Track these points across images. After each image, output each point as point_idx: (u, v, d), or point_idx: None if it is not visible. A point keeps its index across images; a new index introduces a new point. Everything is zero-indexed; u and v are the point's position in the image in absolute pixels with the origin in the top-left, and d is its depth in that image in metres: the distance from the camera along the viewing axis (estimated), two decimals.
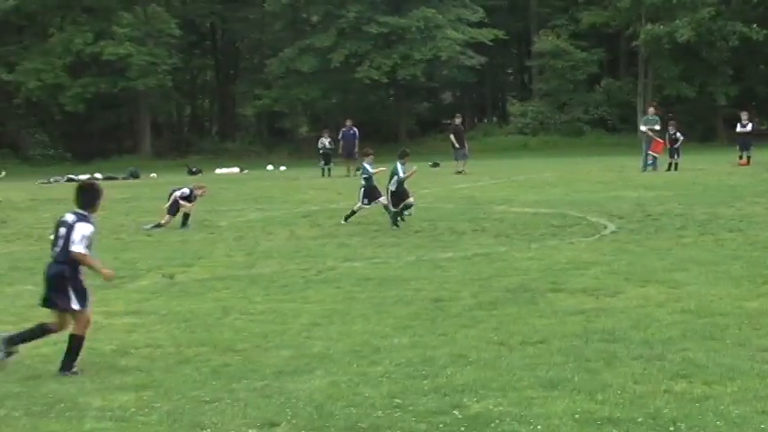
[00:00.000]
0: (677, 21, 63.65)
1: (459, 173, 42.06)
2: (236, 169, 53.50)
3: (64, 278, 10.46)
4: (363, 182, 24.44)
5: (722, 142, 62.92)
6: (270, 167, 54.80)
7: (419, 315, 12.80)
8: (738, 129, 43.87)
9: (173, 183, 31.59)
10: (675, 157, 41.22)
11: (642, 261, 16.75)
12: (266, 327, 12.38)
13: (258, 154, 67.57)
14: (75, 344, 10.51)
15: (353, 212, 24.32)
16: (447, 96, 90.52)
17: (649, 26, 65.12)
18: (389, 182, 23.53)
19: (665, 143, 41.53)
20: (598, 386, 9.09)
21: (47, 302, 10.70)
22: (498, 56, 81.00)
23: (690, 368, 9.61)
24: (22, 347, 10.93)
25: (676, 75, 66.51)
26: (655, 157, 41.24)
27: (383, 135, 70.12)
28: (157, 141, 71.81)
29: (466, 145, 45.00)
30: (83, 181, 11.20)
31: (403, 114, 75.55)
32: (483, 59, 71.84)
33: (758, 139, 45.18)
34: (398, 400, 8.89)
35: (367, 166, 24.49)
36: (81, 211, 10.65)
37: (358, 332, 11.86)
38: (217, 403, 9.06)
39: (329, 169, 45.74)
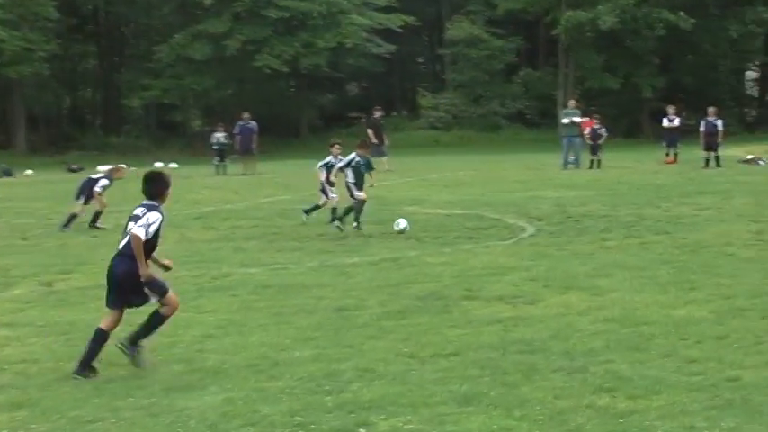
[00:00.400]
0: (600, 7, 64.40)
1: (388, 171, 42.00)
2: (121, 166, 52.85)
3: (134, 274, 10.63)
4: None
5: (648, 138, 63.96)
6: (159, 164, 54.29)
7: (322, 325, 12.78)
8: (665, 124, 44.58)
9: (50, 181, 31.15)
10: (598, 154, 41.81)
11: (563, 266, 16.92)
12: (154, 339, 12.26)
13: (146, 150, 66.90)
14: (97, 340, 10.69)
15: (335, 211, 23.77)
16: (353, 88, 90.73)
17: (570, 13, 65.81)
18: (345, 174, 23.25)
19: (591, 124, 42.17)
20: (516, 401, 9.16)
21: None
22: (408, 44, 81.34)
23: (613, 381, 9.72)
24: None
25: (599, 65, 67.34)
26: (576, 157, 41.80)
27: (283, 129, 70.05)
28: (33, 136, 70.78)
29: (385, 141, 45.01)
30: (150, 171, 11.35)
31: (305, 107, 75.49)
32: (392, 48, 72.14)
33: (686, 135, 45.92)
34: (300, 418, 8.86)
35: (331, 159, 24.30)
36: (150, 202, 10.95)
37: (255, 344, 11.80)
38: (100, 423, 8.94)
39: (224, 167, 45.53)
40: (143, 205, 10.95)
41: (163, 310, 10.97)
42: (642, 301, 13.72)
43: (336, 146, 24.74)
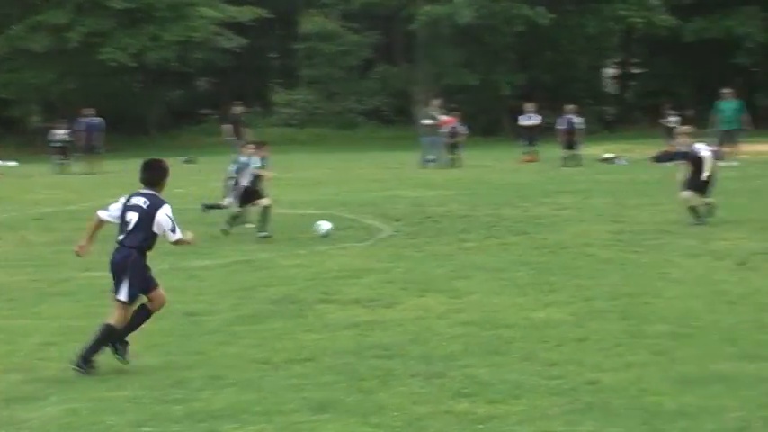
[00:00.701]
0: (457, 1, 64.97)
1: None
2: None
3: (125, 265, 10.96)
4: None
5: (507, 136, 64.75)
6: None
7: (171, 331, 12.65)
8: (524, 122, 45.26)
9: None
10: (457, 152, 42.19)
11: (421, 268, 17.05)
12: None
13: None
14: (104, 334, 10.90)
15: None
16: (202, 83, 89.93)
17: (427, 7, 66.22)
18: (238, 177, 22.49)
19: (451, 122, 42.59)
20: (373, 407, 9.19)
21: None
22: (261, 38, 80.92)
23: (473, 386, 9.83)
24: None
25: (457, 61, 67.89)
26: (435, 156, 42.13)
27: (131, 126, 69.14)
28: None
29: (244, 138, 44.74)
30: (149, 158, 11.80)
31: (153, 103, 74.59)
32: (243, 41, 71.69)
33: (545, 133, 46.65)
34: (147, 429, 8.77)
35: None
36: (149, 191, 11.09)
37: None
38: None
39: (67, 165, 44.79)
40: (142, 195, 11.06)
41: (151, 306, 11.21)
42: (501, 303, 13.90)
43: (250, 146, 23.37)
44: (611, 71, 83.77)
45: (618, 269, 16.50)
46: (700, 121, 44.04)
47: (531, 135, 44.66)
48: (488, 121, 69.82)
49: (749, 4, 68.20)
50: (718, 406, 8.98)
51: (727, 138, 40.70)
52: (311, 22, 72.79)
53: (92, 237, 11.44)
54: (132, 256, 10.96)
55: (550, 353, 11.08)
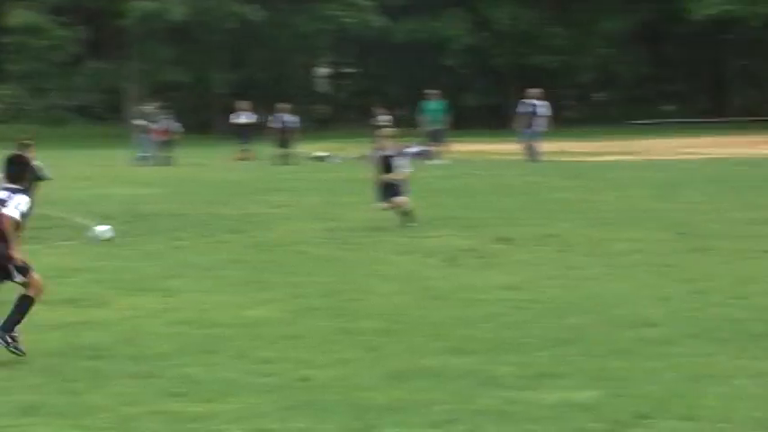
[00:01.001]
0: None
1: None
2: None
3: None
4: None
5: (221, 134, 64.59)
6: None
7: None
8: (238, 120, 45.32)
9: None
10: (170, 150, 41.87)
11: (133, 267, 16.82)
12: None
13: None
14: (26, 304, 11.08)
15: None
16: None
17: (137, 2, 65.29)
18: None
19: (164, 131, 42.19)
20: (83, 409, 9.03)
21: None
22: None
23: (186, 385, 9.78)
24: None
25: (170, 58, 67.27)
26: (149, 154, 41.68)
27: None
28: None
29: None
30: (12, 153, 12.15)
31: None
32: None
33: (259, 131, 46.81)
34: None
35: None
36: (14, 186, 11.08)
37: None
38: None
39: None
40: (6, 189, 11.04)
41: (30, 292, 11.12)
42: (215, 302, 13.87)
43: None
44: (324, 70, 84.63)
45: (331, 267, 16.71)
46: (411, 121, 45.20)
47: (245, 133, 44.74)
48: (202, 119, 69.44)
49: (457, 6, 70.29)
50: (427, 400, 9.21)
51: (434, 137, 41.83)
52: (17, 16, 70.61)
53: None
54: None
55: (264, 351, 11.13)
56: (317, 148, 45.02)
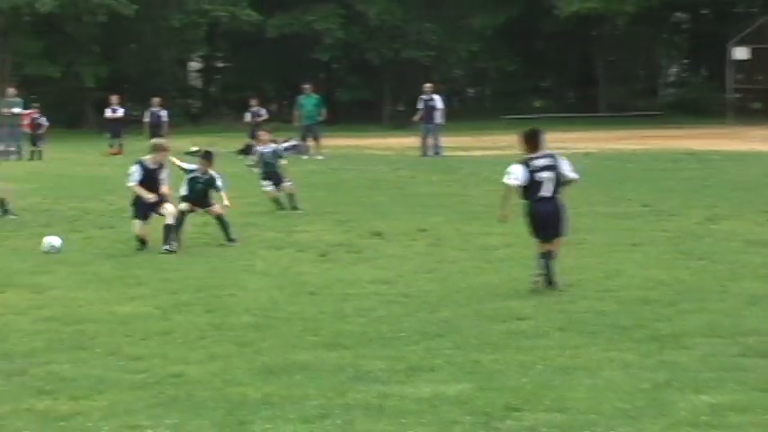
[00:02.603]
0: None
1: None
2: None
3: None
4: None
5: (92, 128, 63.81)
6: None
7: None
8: (108, 114, 44.91)
9: None
10: (39, 144, 41.31)
11: (0, 263, 16.56)
12: None
13: None
14: None
15: None
16: None
17: None
18: None
19: (31, 125, 41.67)
20: None
21: None
22: None
23: (55, 382, 9.65)
24: None
25: (38, 51, 66.29)
26: (19, 145, 41.08)
27: None
28: None
29: None
30: None
31: None
32: None
33: (130, 125, 46.43)
34: None
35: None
36: None
37: None
38: None
39: None
40: None
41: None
42: (86, 298, 13.72)
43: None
44: (196, 64, 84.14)
45: (204, 262, 16.63)
46: (285, 116, 45.09)
47: (117, 127, 44.37)
48: (72, 114, 68.65)
49: (329, 1, 70.35)
50: (301, 394, 9.21)
51: (309, 132, 41.77)
52: None
53: None
54: None
55: (135, 347, 11.03)
56: (191, 143, 44.64)
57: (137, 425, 8.49)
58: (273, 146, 24.60)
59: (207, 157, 19.72)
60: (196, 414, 8.73)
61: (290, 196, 23.31)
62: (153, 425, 8.48)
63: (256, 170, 25.29)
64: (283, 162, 23.99)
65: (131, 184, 18.26)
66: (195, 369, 10.10)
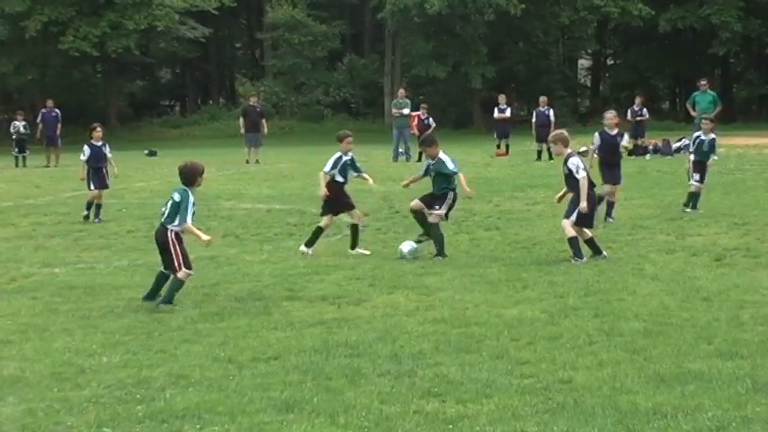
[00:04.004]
0: None
1: (249, 162, 42.09)
2: None
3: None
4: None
5: (479, 129, 64.90)
6: None
7: (132, 329, 12.61)
8: (496, 114, 45.27)
9: None
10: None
11: (389, 264, 17.03)
12: None
13: None
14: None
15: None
16: (165, 74, 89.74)
17: None
18: None
19: (418, 123, 42.72)
20: (340, 407, 9.18)
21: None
22: (226, 27, 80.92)
23: (443, 385, 9.82)
24: None
25: (427, 52, 67.82)
26: (406, 149, 42.22)
27: (91, 118, 68.76)
28: None
29: (261, 129, 44.37)
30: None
31: (113, 94, 74.32)
32: (207, 31, 71.55)
33: (517, 126, 46.73)
34: (108, 429, 8.73)
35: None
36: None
37: (59, 350, 11.57)
38: None
39: (24, 158, 44.68)
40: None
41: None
42: (472, 300, 13.90)
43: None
44: (585, 62, 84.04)
45: (591, 265, 16.52)
46: (677, 114, 44.19)
47: (504, 128, 44.60)
48: (459, 114, 70.06)
49: None
50: (694, 405, 9.00)
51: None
52: (277, 12, 72.63)
53: None
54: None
55: (522, 351, 11.08)
56: (579, 143, 44.59)
57: (524, 430, 8.52)
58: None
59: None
60: (585, 421, 8.68)
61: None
62: (540, 431, 8.50)
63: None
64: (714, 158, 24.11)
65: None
66: (583, 375, 10.05)
